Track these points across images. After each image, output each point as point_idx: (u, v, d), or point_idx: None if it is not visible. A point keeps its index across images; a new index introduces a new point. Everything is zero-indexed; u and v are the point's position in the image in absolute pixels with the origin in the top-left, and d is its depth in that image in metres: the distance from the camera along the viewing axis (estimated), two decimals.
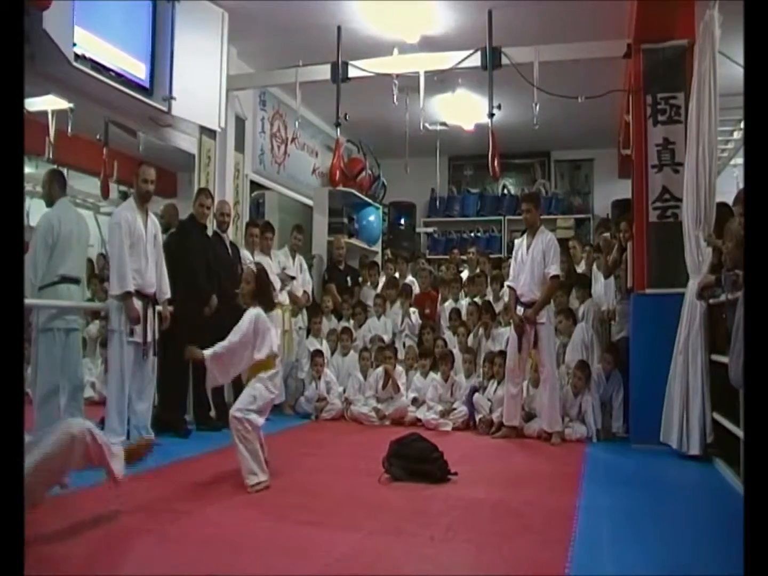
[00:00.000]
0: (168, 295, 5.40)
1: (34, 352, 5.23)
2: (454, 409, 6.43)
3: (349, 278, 8.47)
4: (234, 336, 4.23)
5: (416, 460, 4.24)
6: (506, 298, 6.64)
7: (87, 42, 5.09)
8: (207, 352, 4.17)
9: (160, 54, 5.92)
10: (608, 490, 4.19)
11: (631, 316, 5.86)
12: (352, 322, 7.73)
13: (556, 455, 5.35)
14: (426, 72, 6.59)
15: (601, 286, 6.68)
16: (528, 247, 5.88)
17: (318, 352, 7.12)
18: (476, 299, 7.46)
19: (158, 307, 5.34)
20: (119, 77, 5.46)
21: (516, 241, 6.30)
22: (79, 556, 2.82)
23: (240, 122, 7.57)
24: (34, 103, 5.64)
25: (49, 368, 5.10)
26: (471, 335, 7.05)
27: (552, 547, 3.02)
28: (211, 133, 6.90)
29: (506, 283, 6.38)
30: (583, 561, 2.82)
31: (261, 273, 4.53)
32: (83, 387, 5.61)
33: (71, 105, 5.65)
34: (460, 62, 6.45)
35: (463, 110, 8.81)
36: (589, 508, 3.69)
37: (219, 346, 4.21)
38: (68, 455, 2.99)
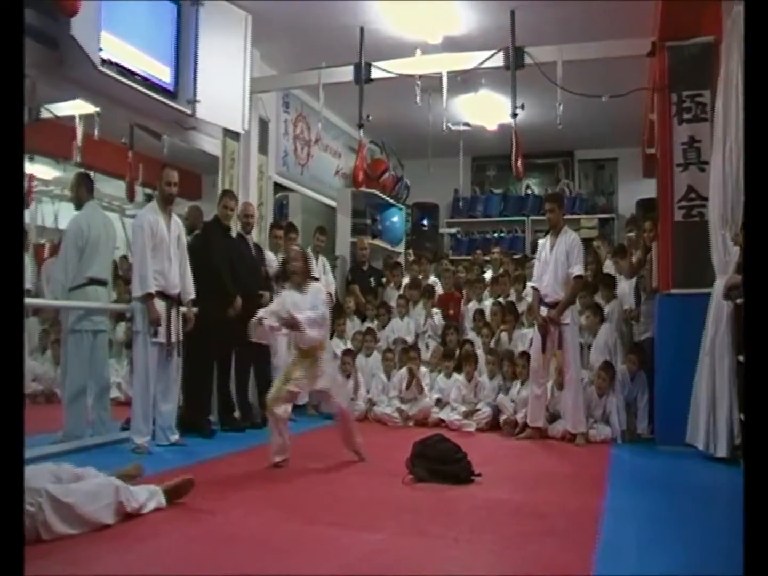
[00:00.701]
0: (192, 296, 5.44)
1: (63, 353, 5.32)
2: (478, 410, 6.42)
3: (372, 279, 8.48)
4: (326, 309, 4.64)
5: (440, 461, 4.24)
6: (530, 299, 6.62)
7: (113, 46, 5.15)
8: (301, 317, 4.44)
9: (184, 57, 5.98)
10: (633, 492, 4.16)
11: (656, 317, 5.81)
12: (375, 323, 7.73)
13: (581, 456, 5.32)
14: (449, 72, 6.58)
15: (625, 285, 6.62)
16: (551, 248, 5.86)
17: (348, 352, 7.12)
18: (500, 300, 7.43)
19: (182, 308, 5.39)
20: (144, 81, 5.52)
21: (540, 242, 6.27)
22: (101, 555, 2.85)
23: (263, 124, 7.60)
24: (62, 108, 5.73)
25: (77, 369, 5.19)
26: (495, 337, 7.02)
27: (576, 549, 3.01)
28: (234, 135, 6.93)
29: (529, 284, 6.36)
30: (607, 563, 2.80)
31: (306, 253, 4.82)
32: (109, 387, 5.68)
33: (98, 109, 5.71)
34: (483, 62, 6.44)
35: (486, 110, 8.79)
36: (613, 510, 3.66)
37: (316, 315, 4.52)
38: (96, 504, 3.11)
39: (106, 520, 3.12)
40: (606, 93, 6.22)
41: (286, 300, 4.61)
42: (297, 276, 4.65)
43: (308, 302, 4.59)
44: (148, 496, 3.38)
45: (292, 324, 4.53)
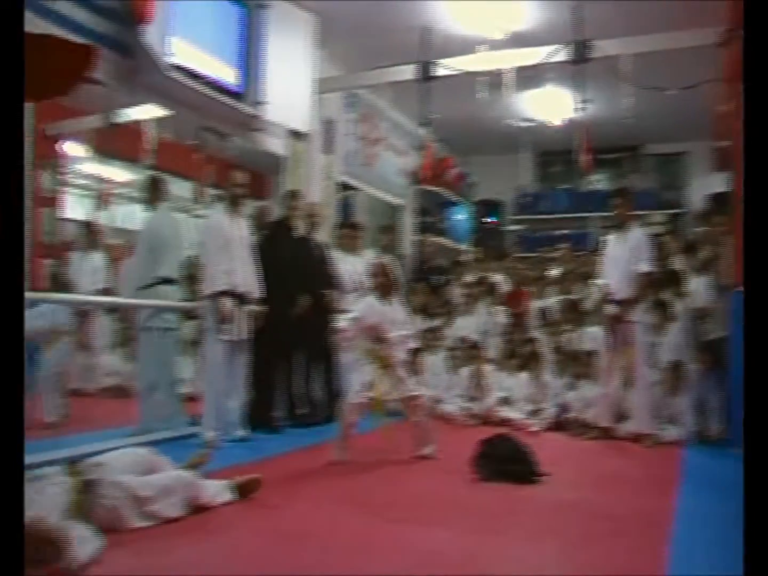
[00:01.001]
0: (258, 294, 5.53)
1: (137, 350, 5.51)
2: (544, 408, 6.35)
3: (437, 277, 8.47)
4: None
5: (505, 460, 4.22)
6: (596, 296, 6.51)
7: (183, 51, 5.30)
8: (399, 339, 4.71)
9: (251, 59, 6.09)
10: (705, 494, 4.06)
11: (731, 314, 5.63)
12: (440, 321, 7.71)
13: (649, 457, 5.21)
14: (514, 68, 6.53)
15: (695, 283, 6.45)
16: (619, 244, 5.75)
17: (416, 350, 7.07)
18: (566, 297, 7.33)
19: (249, 307, 5.49)
20: (213, 84, 5.65)
21: (606, 238, 6.16)
22: (175, 547, 2.94)
23: (328, 124, 7.68)
24: (134, 112, 5.92)
25: (150, 364, 5.35)
26: (560, 335, 6.94)
27: (644, 550, 2.96)
28: (300, 135, 7.02)
29: (597, 281, 6.25)
30: (680, 565, 2.76)
31: (388, 266, 4.95)
32: (180, 383, 5.82)
33: (168, 112, 5.87)
34: (547, 57, 6.37)
35: (552, 105, 8.69)
36: (683, 512, 3.59)
37: (410, 333, 4.91)
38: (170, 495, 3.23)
39: (177, 513, 3.22)
40: (674, 84, 6.08)
41: (372, 309, 4.73)
42: (380, 290, 4.80)
43: (398, 315, 4.79)
44: (217, 492, 3.47)
45: (386, 340, 4.67)
